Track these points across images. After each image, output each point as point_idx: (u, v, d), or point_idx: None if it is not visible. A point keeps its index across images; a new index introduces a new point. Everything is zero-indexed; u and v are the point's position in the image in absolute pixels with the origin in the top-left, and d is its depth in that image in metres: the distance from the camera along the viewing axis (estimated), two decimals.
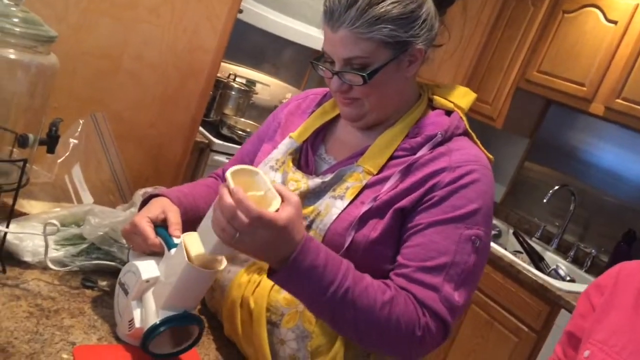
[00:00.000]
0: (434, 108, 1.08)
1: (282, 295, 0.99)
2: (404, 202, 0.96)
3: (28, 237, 1.10)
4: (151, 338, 0.89)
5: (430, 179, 0.97)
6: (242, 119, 3.12)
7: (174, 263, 0.91)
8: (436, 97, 1.08)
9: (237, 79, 3.15)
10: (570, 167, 3.13)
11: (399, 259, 0.96)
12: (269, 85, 3.35)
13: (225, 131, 2.89)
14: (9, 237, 1.08)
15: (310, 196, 1.02)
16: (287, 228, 0.81)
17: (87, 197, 1.24)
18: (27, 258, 1.10)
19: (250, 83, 3.25)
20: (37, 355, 0.89)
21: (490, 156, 1.05)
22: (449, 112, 1.06)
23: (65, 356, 0.91)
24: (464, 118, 1.06)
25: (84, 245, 1.15)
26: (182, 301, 0.90)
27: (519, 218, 3.29)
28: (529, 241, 2.96)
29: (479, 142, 1.06)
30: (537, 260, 2.82)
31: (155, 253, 0.99)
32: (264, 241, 0.81)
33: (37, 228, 1.09)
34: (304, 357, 0.97)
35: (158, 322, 0.88)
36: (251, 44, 3.24)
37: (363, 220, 0.96)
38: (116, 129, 1.32)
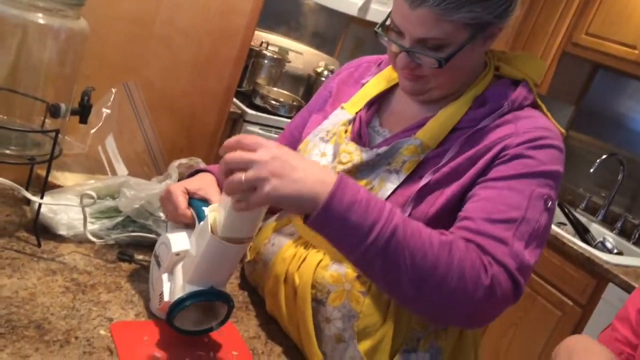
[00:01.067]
0: (499, 77, 0.98)
1: (329, 273, 0.94)
2: (466, 174, 0.88)
3: (62, 210, 1.06)
4: (175, 312, 0.84)
5: (496, 145, 0.89)
6: (275, 89, 3.05)
7: (201, 236, 0.86)
8: (503, 66, 0.99)
9: (270, 47, 3.07)
10: (617, 136, 2.98)
11: (461, 214, 0.86)
12: (301, 54, 3.26)
13: (258, 101, 2.83)
14: (43, 210, 1.05)
15: (363, 169, 0.95)
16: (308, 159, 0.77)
17: (122, 169, 1.20)
18: (62, 231, 1.06)
19: (283, 51, 3.17)
20: (74, 331, 0.85)
21: (562, 130, 0.96)
22: (516, 82, 0.97)
23: (102, 332, 0.87)
24: (534, 89, 0.97)
25: (120, 218, 1.11)
26: (209, 276, 0.85)
27: (562, 189, 3.16)
28: (574, 212, 2.84)
29: (549, 115, 0.97)
30: (582, 232, 2.71)
31: (192, 225, 0.94)
32: (284, 173, 0.73)
33: (72, 200, 1.05)
34: (350, 338, 0.92)
35: (183, 297, 0.84)
36: (283, 10, 3.15)
37: (421, 195, 0.89)
38: (148, 98, 1.27)
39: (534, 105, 0.96)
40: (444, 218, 0.87)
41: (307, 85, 3.29)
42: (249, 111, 2.71)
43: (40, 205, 1.01)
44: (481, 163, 0.88)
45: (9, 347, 0.78)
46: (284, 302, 0.99)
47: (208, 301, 0.86)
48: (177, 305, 0.84)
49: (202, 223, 0.89)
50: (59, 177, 1.17)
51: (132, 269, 1.07)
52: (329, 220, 0.74)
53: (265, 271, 1.04)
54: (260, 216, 0.82)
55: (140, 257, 1.11)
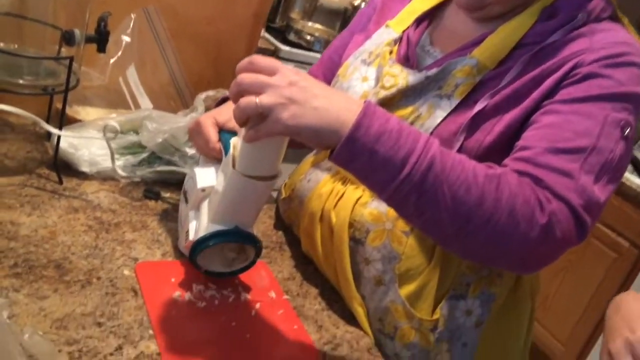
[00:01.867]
0: None
1: (368, 210, 0.85)
2: (529, 97, 0.76)
3: (84, 146, 1.00)
4: (197, 252, 0.78)
5: (566, 63, 0.76)
6: (310, 23, 2.90)
7: (224, 172, 0.78)
8: None
9: None
10: None
11: (519, 143, 0.75)
12: None
13: (292, 37, 2.70)
14: (63, 145, 0.99)
15: (409, 94, 0.84)
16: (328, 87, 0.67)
17: (146, 102, 1.13)
18: (85, 168, 1.00)
19: None
20: (96, 271, 0.80)
21: None
22: None
23: (126, 273, 0.82)
24: None
25: (144, 154, 1.04)
26: (233, 215, 0.78)
27: None
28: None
29: (632, 28, 0.82)
30: None
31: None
32: (303, 99, 0.63)
33: (93, 134, 0.99)
34: (391, 280, 0.84)
35: (205, 236, 0.77)
36: None
37: (476, 122, 0.78)
38: (171, 26, 1.18)
39: (614, 18, 0.82)
40: (501, 149, 0.77)
41: (344, 20, 3.12)
42: (283, 47, 2.58)
43: (59, 138, 0.95)
44: (547, 83, 0.75)
45: (25, 287, 0.73)
46: (320, 242, 0.91)
47: (232, 242, 0.79)
48: (199, 245, 0.77)
49: (226, 157, 0.81)
50: (79, 111, 1.11)
51: (159, 207, 1.01)
52: (355, 153, 0.64)
53: (301, 209, 0.96)
54: (278, 151, 0.73)
55: (167, 194, 1.05)
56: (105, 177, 1.03)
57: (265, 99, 0.63)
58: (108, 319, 0.73)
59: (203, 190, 0.83)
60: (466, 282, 0.85)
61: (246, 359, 0.73)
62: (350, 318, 0.88)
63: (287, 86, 0.63)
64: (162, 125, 0.99)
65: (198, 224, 0.81)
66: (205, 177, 0.84)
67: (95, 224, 0.90)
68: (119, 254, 0.85)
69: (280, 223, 1.08)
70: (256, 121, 0.64)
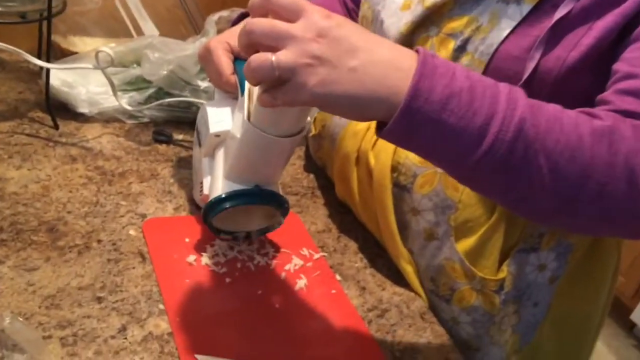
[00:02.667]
0: None
1: None
2: None
3: (80, 83, 0.86)
4: (212, 215, 0.64)
5: None
6: None
7: (239, 117, 0.63)
8: None
9: None
10: None
11: (620, 67, 0.56)
12: None
13: None
14: (55, 83, 0.85)
15: (463, 1, 0.66)
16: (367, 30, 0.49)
17: (150, 28, 0.97)
18: (83, 109, 0.87)
19: None
20: (96, 233, 0.68)
21: None
22: None
23: (133, 233, 0.70)
24: None
25: (151, 90, 0.90)
26: (252, 172, 0.63)
27: None
28: None
29: None
30: None
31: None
32: (337, 58, 0.46)
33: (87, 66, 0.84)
34: (445, 234, 0.70)
35: (220, 197, 0.63)
36: None
37: (557, 33, 0.58)
38: None
39: None
40: (590, 69, 0.59)
41: None
42: None
43: (48, 73, 0.81)
44: None
45: (11, 257, 0.62)
46: (357, 189, 0.77)
47: (251, 204, 0.65)
48: (213, 207, 0.64)
49: (242, 96, 0.65)
50: (76, 42, 0.96)
51: (171, 152, 0.87)
52: (414, 129, 0.46)
53: (333, 149, 0.81)
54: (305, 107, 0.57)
55: (180, 137, 0.91)
56: (108, 119, 0.90)
57: (284, 58, 0.45)
58: (110, 293, 0.61)
59: (217, 135, 0.69)
60: (538, 233, 0.70)
61: (277, 335, 0.61)
62: (397, 277, 0.75)
63: (315, 39, 0.45)
64: (166, 55, 0.84)
65: (213, 179, 0.67)
66: (219, 119, 0.69)
67: (96, 175, 0.78)
68: (124, 210, 0.73)
69: (312, 164, 0.94)
70: (273, 84, 0.48)
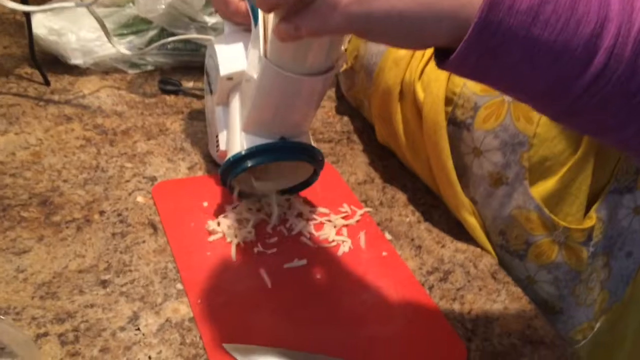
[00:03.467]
0: None
1: None
2: None
3: (69, 29, 0.74)
4: (231, 176, 0.53)
5: None
6: None
7: (255, 54, 0.50)
8: None
9: None
10: None
11: None
12: None
13: None
14: (41, 32, 0.73)
15: None
16: None
17: None
18: (76, 60, 0.75)
19: None
20: (98, 203, 0.57)
21: None
22: None
23: (141, 200, 0.59)
24: None
25: (152, 32, 0.77)
26: (276, 122, 0.51)
27: None
28: None
29: None
30: None
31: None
32: None
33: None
34: (516, 177, 0.57)
35: (240, 154, 0.51)
36: None
37: None
38: None
39: None
40: None
41: None
42: None
43: (29, 18, 0.69)
44: None
45: None
46: (402, 129, 0.64)
47: (278, 161, 0.53)
48: (232, 167, 0.52)
49: (256, 27, 0.52)
50: None
51: (181, 102, 0.75)
52: (495, 51, 0.32)
53: (370, 84, 0.68)
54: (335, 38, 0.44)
55: (190, 84, 0.79)
56: (107, 70, 0.78)
57: None
58: (116, 274, 0.51)
59: (229, 78, 0.56)
60: (634, 170, 0.56)
61: (320, 314, 0.50)
62: (459, 231, 0.63)
63: None
64: None
65: (229, 132, 0.56)
66: (231, 58, 0.57)
67: (95, 135, 0.66)
68: (130, 174, 0.62)
69: (344, 105, 0.81)
70: (292, 8, 0.35)
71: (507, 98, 0.56)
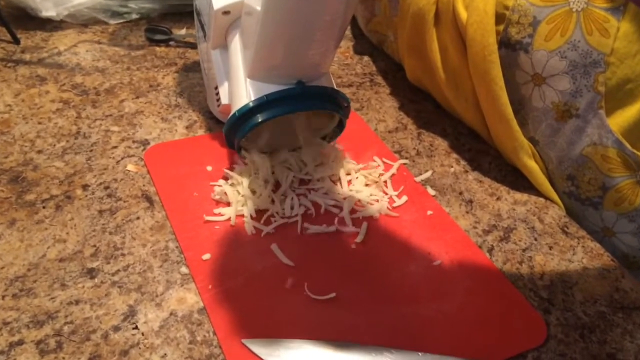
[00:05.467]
0: None
1: None
2: None
3: None
4: (240, 136, 0.43)
5: None
6: None
7: None
8: None
9: None
10: None
11: None
12: None
13: None
14: None
15: None
16: None
17: None
18: (49, 12, 0.64)
19: None
20: (80, 175, 0.48)
21: None
22: None
23: (131, 168, 0.49)
24: None
25: None
26: (288, 62, 0.41)
27: None
28: None
29: None
30: None
31: None
32: None
33: None
34: (589, 107, 0.46)
35: (249, 106, 0.41)
36: None
37: None
38: None
39: None
40: None
41: None
42: None
43: None
44: None
45: None
46: (440, 61, 0.53)
47: (296, 111, 0.42)
48: (239, 124, 0.42)
49: None
50: None
51: (172, 53, 0.65)
52: None
53: (395, 10, 0.56)
54: None
55: (182, 31, 0.68)
56: (85, 22, 0.67)
57: None
58: (106, 260, 0.41)
59: (225, 12, 0.45)
60: None
61: (356, 292, 0.41)
62: (515, 178, 0.52)
63: None
64: None
65: (232, 80, 0.45)
66: None
67: (74, 96, 0.56)
68: (117, 138, 0.52)
69: (363, 43, 0.70)
70: None
71: (575, 7, 0.44)
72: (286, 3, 0.36)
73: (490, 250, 0.45)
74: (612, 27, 0.43)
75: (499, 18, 0.47)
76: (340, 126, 0.47)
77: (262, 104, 0.41)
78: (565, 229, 0.48)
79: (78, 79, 0.58)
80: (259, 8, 0.38)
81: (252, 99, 0.42)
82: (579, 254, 0.46)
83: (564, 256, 0.46)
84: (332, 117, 0.47)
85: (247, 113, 0.42)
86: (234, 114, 0.42)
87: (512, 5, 0.46)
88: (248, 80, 0.42)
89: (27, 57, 0.61)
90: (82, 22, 0.66)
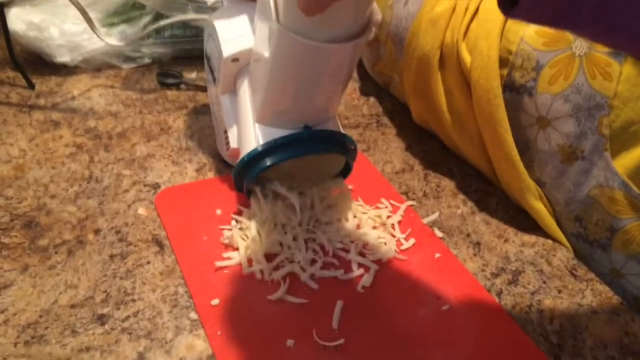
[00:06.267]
0: None
1: (534, 28, 0.46)
2: None
3: (51, 23, 0.65)
4: (248, 179, 0.44)
5: None
6: None
7: (263, 26, 0.40)
8: None
9: None
10: None
11: None
12: None
13: None
14: (19, 28, 0.64)
15: None
16: None
17: None
18: (63, 57, 0.66)
19: None
20: (92, 220, 0.48)
21: None
22: None
23: (143, 212, 0.50)
24: None
25: (146, 18, 0.68)
26: (296, 107, 0.42)
27: None
28: None
29: None
30: None
31: None
32: None
33: None
34: (595, 149, 0.46)
35: (256, 152, 0.42)
36: None
37: None
38: None
39: None
40: None
41: None
42: None
43: (2, 11, 0.60)
44: None
45: None
46: (446, 103, 0.54)
47: (304, 155, 0.43)
48: (248, 168, 0.43)
49: None
50: None
51: (183, 97, 0.66)
52: None
53: (401, 54, 0.58)
54: None
55: (193, 75, 0.69)
56: (98, 67, 0.69)
57: None
58: (117, 306, 0.41)
59: (235, 60, 0.47)
60: None
61: (367, 337, 0.41)
62: (522, 219, 0.52)
63: None
64: None
65: (240, 125, 0.46)
66: (234, 35, 0.47)
67: (87, 140, 0.57)
68: (129, 182, 0.53)
69: (370, 84, 0.71)
70: None
71: (578, 51, 0.45)
72: (293, 51, 0.37)
73: (499, 293, 0.45)
74: (615, 70, 0.44)
75: (503, 62, 0.48)
76: (347, 168, 0.48)
77: (271, 148, 0.42)
78: (574, 271, 0.48)
79: (91, 123, 0.60)
80: (267, 55, 0.39)
81: (261, 143, 0.42)
82: (588, 297, 0.46)
83: (573, 299, 0.45)
84: (339, 159, 0.47)
85: (255, 157, 0.43)
86: (243, 158, 0.43)
87: (516, 50, 0.47)
88: (257, 124, 0.43)
89: (41, 102, 0.62)
90: (95, 67, 0.68)
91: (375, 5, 0.36)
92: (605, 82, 0.44)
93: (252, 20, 0.47)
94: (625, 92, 0.44)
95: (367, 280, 0.44)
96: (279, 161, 0.42)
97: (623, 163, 0.46)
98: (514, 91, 0.49)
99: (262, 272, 0.44)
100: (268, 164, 0.42)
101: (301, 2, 0.29)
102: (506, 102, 0.48)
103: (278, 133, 0.42)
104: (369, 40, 0.40)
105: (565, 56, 0.45)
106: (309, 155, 0.43)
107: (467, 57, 0.50)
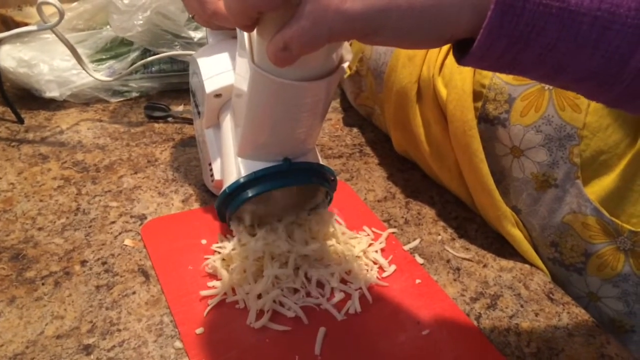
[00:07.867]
0: None
1: None
2: None
3: (40, 59, 0.67)
4: (231, 210, 0.45)
5: None
6: None
7: (243, 64, 0.42)
8: None
9: None
10: None
11: None
12: None
13: None
14: (10, 65, 0.66)
15: None
16: None
17: None
18: (53, 92, 0.68)
19: None
20: (79, 252, 0.49)
21: None
22: None
23: (129, 243, 0.50)
24: None
25: (134, 54, 0.70)
26: (275, 141, 0.43)
27: None
28: None
29: None
30: None
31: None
32: None
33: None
34: (567, 177, 0.48)
35: (239, 182, 0.43)
36: None
37: None
38: None
39: None
40: None
41: None
42: None
43: None
44: None
45: None
46: (424, 134, 0.56)
47: (283, 187, 0.44)
48: (230, 199, 0.44)
49: (240, 34, 0.45)
50: (34, 14, 0.77)
51: (170, 129, 0.68)
52: (528, 32, 0.25)
53: (381, 87, 0.60)
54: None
55: (180, 108, 0.71)
56: (87, 101, 0.70)
57: None
58: (102, 336, 0.42)
59: (217, 95, 0.49)
60: None
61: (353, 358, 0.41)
62: (500, 245, 0.54)
63: None
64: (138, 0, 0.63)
65: (223, 158, 0.48)
66: (217, 72, 0.49)
67: (74, 173, 0.59)
68: (115, 214, 0.54)
69: (352, 115, 0.73)
70: (277, 19, 0.28)
71: (547, 85, 0.47)
72: (268, 89, 0.39)
73: (478, 318, 0.47)
74: (583, 103, 0.46)
75: (477, 95, 0.50)
76: (327, 199, 0.49)
77: (251, 181, 0.44)
78: (551, 295, 0.49)
79: (79, 156, 0.61)
80: (246, 90, 0.41)
81: (242, 175, 0.44)
82: (565, 320, 0.47)
83: (550, 322, 0.47)
84: (320, 190, 0.49)
85: (237, 189, 0.44)
86: (225, 190, 0.44)
87: (489, 84, 0.50)
88: (238, 158, 0.45)
89: (30, 136, 0.63)
90: (84, 101, 0.69)
91: (346, 44, 0.38)
92: (575, 114, 0.47)
93: (234, 58, 0.49)
94: (594, 123, 0.46)
95: (349, 307, 0.45)
96: (258, 193, 0.44)
97: (594, 190, 0.48)
98: (488, 122, 0.51)
99: (245, 301, 0.45)
100: (249, 195, 0.43)
101: (271, 56, 0.30)
102: (481, 133, 0.50)
103: (259, 165, 0.44)
104: (342, 76, 0.42)
105: (535, 90, 0.48)
106: (288, 186, 0.44)
107: (443, 91, 0.52)
